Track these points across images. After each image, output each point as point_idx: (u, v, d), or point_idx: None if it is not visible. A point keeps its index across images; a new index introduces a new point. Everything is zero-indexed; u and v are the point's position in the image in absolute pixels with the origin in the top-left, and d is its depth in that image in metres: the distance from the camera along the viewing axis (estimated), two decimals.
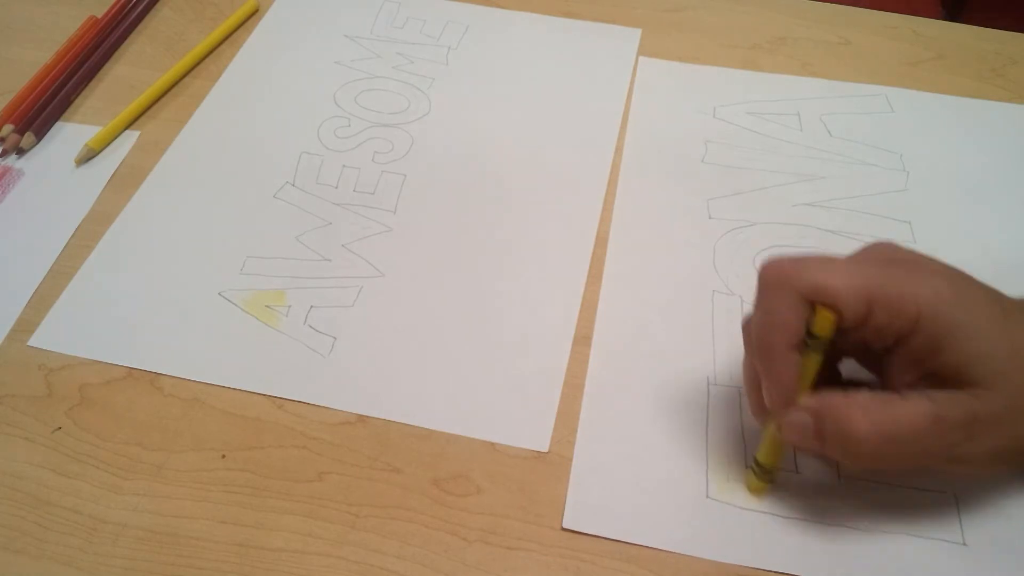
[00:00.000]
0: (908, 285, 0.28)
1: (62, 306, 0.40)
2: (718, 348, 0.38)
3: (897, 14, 0.54)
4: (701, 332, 0.39)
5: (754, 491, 0.33)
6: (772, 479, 0.33)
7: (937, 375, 0.29)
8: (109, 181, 0.46)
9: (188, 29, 0.54)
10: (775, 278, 0.30)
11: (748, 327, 0.32)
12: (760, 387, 0.31)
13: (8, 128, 0.47)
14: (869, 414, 0.28)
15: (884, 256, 0.30)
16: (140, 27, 0.55)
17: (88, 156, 0.47)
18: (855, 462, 0.30)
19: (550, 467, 0.35)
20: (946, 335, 0.28)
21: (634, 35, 0.53)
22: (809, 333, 0.29)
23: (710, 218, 0.43)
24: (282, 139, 0.48)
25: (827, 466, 0.34)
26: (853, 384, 0.32)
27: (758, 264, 0.32)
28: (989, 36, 0.53)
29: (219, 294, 0.40)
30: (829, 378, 0.32)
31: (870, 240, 0.32)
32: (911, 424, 0.28)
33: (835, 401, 0.29)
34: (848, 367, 0.33)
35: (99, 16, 0.54)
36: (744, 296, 0.40)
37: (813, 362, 0.30)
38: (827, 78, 0.50)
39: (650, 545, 0.32)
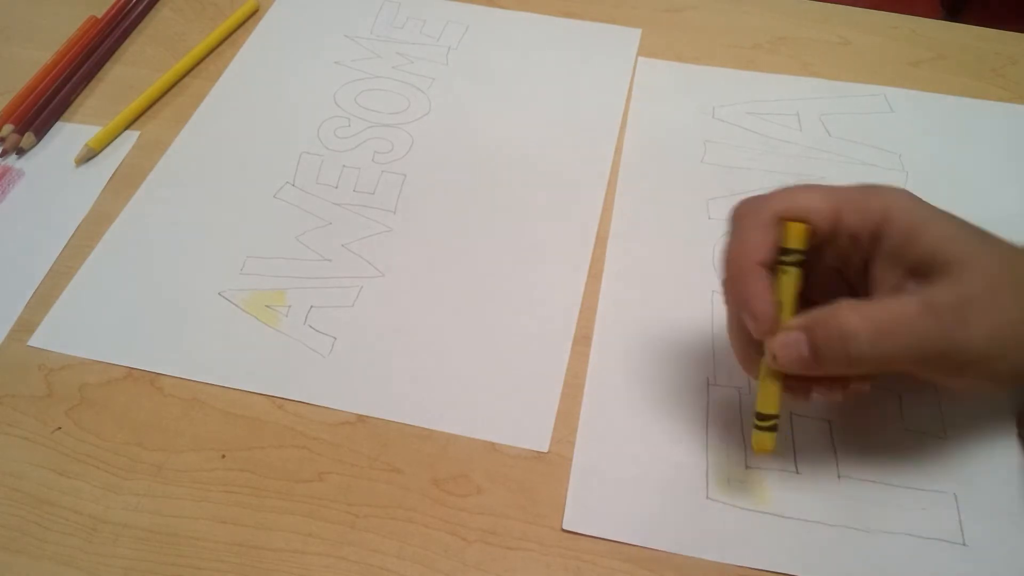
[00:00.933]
0: (871, 192, 0.30)
1: (62, 306, 0.40)
2: (718, 348, 0.38)
3: (897, 14, 0.54)
4: (701, 332, 0.39)
5: (762, 447, 0.32)
6: (776, 428, 0.32)
7: (918, 270, 0.30)
8: (109, 181, 0.46)
9: (188, 29, 0.54)
10: (744, 209, 0.31)
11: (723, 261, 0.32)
12: (745, 335, 0.31)
13: (8, 128, 0.47)
14: (859, 310, 0.29)
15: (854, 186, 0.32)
16: (140, 27, 0.55)
17: (88, 156, 0.47)
18: (853, 365, 0.29)
19: (550, 467, 0.35)
20: (916, 223, 0.30)
21: (634, 35, 0.53)
22: (783, 251, 0.30)
23: (709, 218, 0.43)
24: (282, 139, 0.48)
25: (827, 466, 0.34)
26: None
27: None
28: (989, 36, 0.53)
29: (219, 294, 0.40)
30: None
31: None
32: (903, 313, 0.29)
33: (822, 312, 0.30)
34: None
35: (99, 16, 0.54)
36: None
37: (791, 278, 0.30)
38: (827, 78, 0.50)
39: (650, 545, 0.32)
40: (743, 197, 0.32)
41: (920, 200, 0.31)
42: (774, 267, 0.30)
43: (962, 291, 0.29)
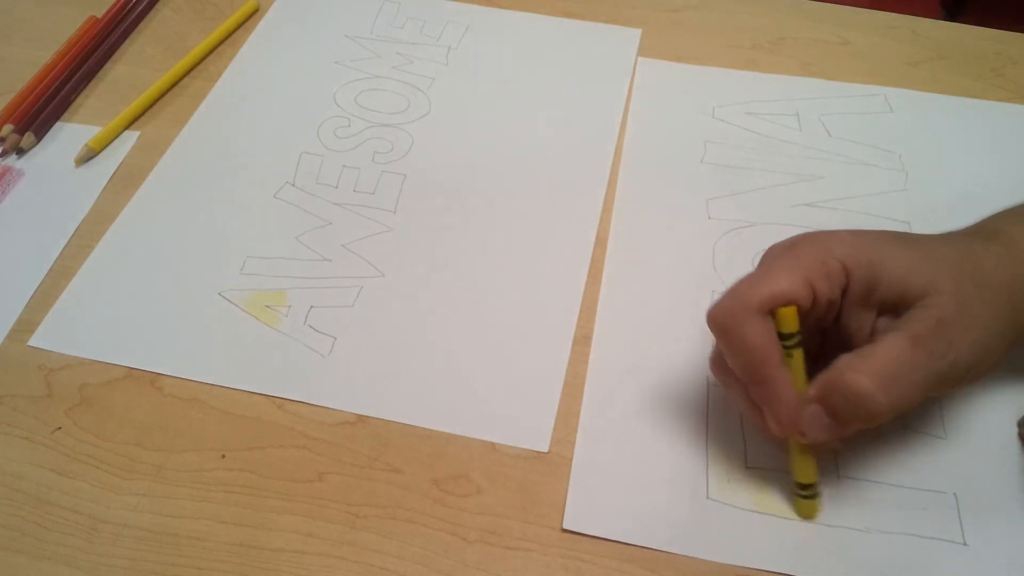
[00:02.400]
0: (823, 250, 0.31)
1: (62, 306, 0.40)
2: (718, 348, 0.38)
3: (897, 14, 0.54)
4: (701, 332, 0.38)
5: (806, 514, 0.33)
6: (817, 493, 0.33)
7: (887, 307, 0.31)
8: (109, 181, 0.46)
9: (188, 29, 0.54)
10: (729, 316, 0.31)
11: (720, 366, 0.33)
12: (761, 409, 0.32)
13: (8, 128, 0.47)
14: (862, 371, 0.29)
15: (780, 249, 0.32)
16: (140, 27, 0.55)
17: (88, 156, 0.47)
18: (876, 418, 0.30)
19: (550, 467, 0.35)
20: (873, 268, 0.30)
21: (634, 35, 0.53)
22: (781, 336, 0.30)
23: (709, 218, 0.43)
24: (282, 139, 0.48)
25: (827, 466, 0.34)
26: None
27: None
28: (988, 36, 0.53)
29: (219, 294, 0.40)
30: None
31: None
32: (898, 356, 0.29)
33: (828, 378, 0.30)
34: None
35: (99, 16, 0.54)
36: None
37: (798, 360, 0.31)
38: (826, 78, 0.50)
39: (650, 545, 0.32)
40: (710, 308, 0.31)
41: (862, 237, 0.31)
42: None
43: (938, 315, 0.30)
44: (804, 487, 0.32)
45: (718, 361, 0.33)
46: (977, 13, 1.46)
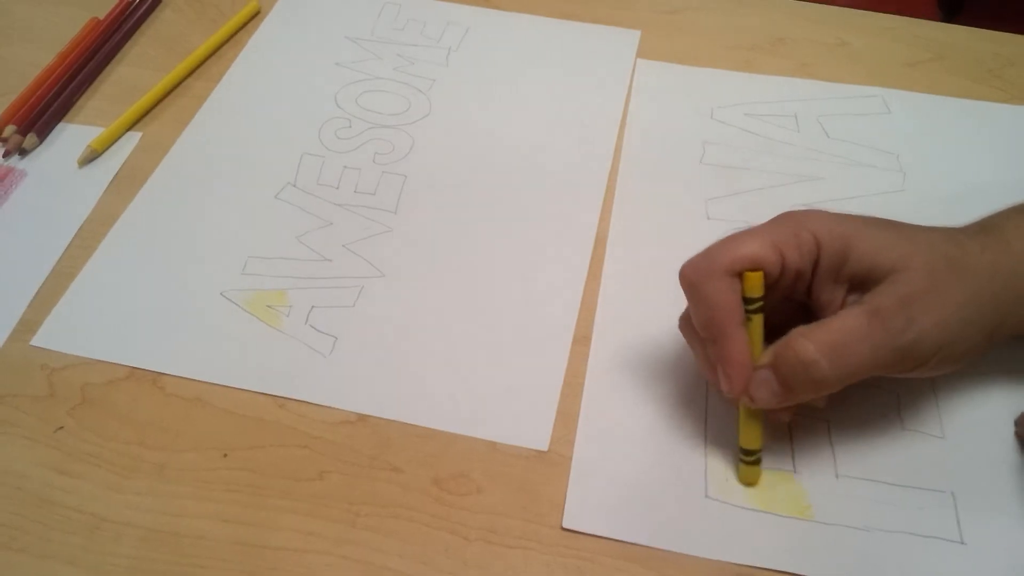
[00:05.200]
0: (797, 222, 0.32)
1: (64, 306, 0.40)
2: None
3: (895, 15, 0.54)
4: None
5: (747, 480, 0.34)
6: (759, 461, 0.33)
7: (857, 283, 0.31)
8: (111, 182, 0.46)
9: (190, 30, 0.54)
10: (697, 272, 0.31)
11: (687, 324, 0.34)
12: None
13: (11, 129, 0.47)
14: (811, 336, 0.30)
15: (765, 222, 0.33)
16: (142, 28, 0.55)
17: (90, 157, 0.47)
18: (820, 387, 0.30)
19: (550, 467, 0.35)
20: (844, 241, 0.31)
21: (633, 37, 0.53)
22: (745, 300, 0.31)
23: (708, 219, 0.43)
24: (283, 140, 0.48)
25: (825, 465, 0.34)
26: None
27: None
28: (986, 37, 0.53)
29: (221, 294, 0.41)
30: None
31: None
32: (852, 327, 0.30)
33: (780, 344, 0.31)
34: None
35: (101, 17, 0.54)
36: None
37: (757, 325, 0.32)
38: (825, 79, 0.50)
39: (650, 544, 0.32)
40: (684, 264, 0.32)
41: (840, 215, 0.32)
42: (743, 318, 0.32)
43: (903, 291, 0.30)
44: (748, 452, 0.33)
45: (685, 319, 0.34)
46: (975, 14, 1.46)
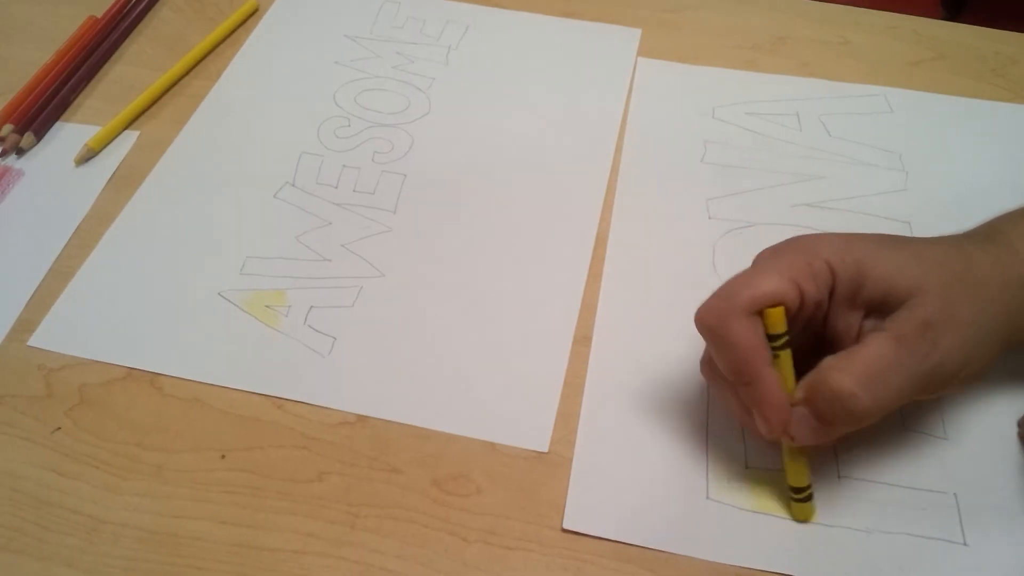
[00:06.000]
0: (808, 252, 0.31)
1: (62, 306, 0.40)
2: None
3: (897, 14, 0.54)
4: None
5: (803, 518, 0.33)
6: (811, 496, 0.33)
7: (873, 308, 0.31)
8: (109, 181, 0.46)
9: (188, 29, 0.54)
10: (717, 316, 0.31)
11: (710, 368, 0.33)
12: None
13: (8, 128, 0.47)
14: (844, 369, 0.30)
15: (768, 253, 0.32)
16: (140, 27, 0.55)
17: (88, 156, 0.47)
18: (860, 420, 0.30)
19: (550, 467, 0.35)
20: (858, 268, 0.31)
21: (634, 35, 0.53)
22: (769, 337, 0.30)
23: (709, 218, 0.43)
24: (282, 139, 0.47)
25: (827, 466, 0.34)
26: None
27: None
28: (989, 36, 0.53)
29: (219, 294, 0.40)
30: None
31: None
32: (881, 356, 0.29)
33: (812, 380, 0.30)
34: None
35: (99, 16, 0.54)
36: None
37: (786, 361, 0.31)
38: (826, 78, 0.50)
39: (650, 545, 0.32)
40: (698, 309, 0.31)
41: (848, 237, 0.32)
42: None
43: (922, 315, 0.30)
44: (798, 490, 0.32)
45: (708, 363, 0.33)
46: (977, 13, 1.45)
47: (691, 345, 0.38)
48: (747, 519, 0.33)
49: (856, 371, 0.29)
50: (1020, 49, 0.52)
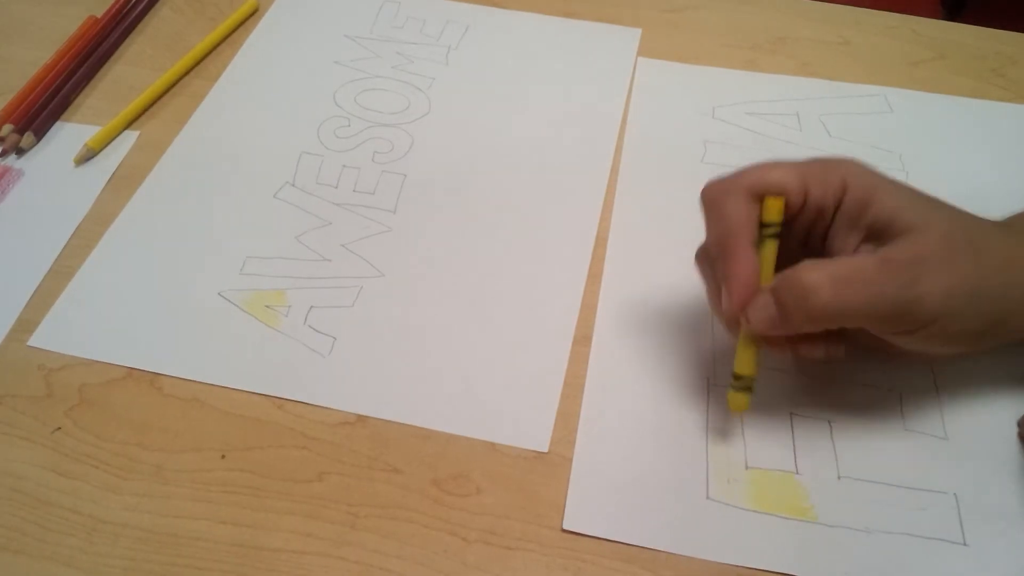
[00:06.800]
0: (829, 164, 0.32)
1: (62, 306, 0.40)
2: (718, 348, 0.38)
3: (897, 14, 0.54)
4: (701, 332, 0.39)
5: (736, 406, 0.33)
6: (751, 388, 0.33)
7: (873, 233, 0.31)
8: (109, 181, 0.46)
9: (188, 29, 0.54)
10: (718, 191, 0.32)
11: (703, 255, 0.34)
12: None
13: (8, 128, 0.47)
14: (819, 267, 0.30)
15: (804, 159, 0.33)
16: (140, 27, 0.55)
17: (88, 156, 0.46)
18: (818, 319, 0.30)
19: (550, 467, 0.35)
20: (871, 190, 0.31)
21: (634, 35, 0.53)
22: (761, 224, 0.31)
23: None
24: (282, 139, 0.47)
25: (827, 466, 0.34)
26: None
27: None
28: (989, 36, 0.53)
29: (219, 294, 0.40)
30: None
31: None
32: (860, 268, 0.30)
33: (787, 271, 0.31)
34: None
35: (99, 16, 0.54)
36: None
37: (770, 250, 0.32)
38: (827, 78, 0.50)
39: (650, 546, 0.32)
40: (707, 182, 0.33)
41: (874, 170, 0.32)
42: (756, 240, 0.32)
43: (918, 250, 0.30)
44: (739, 378, 0.33)
45: (702, 249, 0.34)
46: (977, 13, 1.46)
47: (691, 345, 0.38)
48: (747, 519, 0.33)
49: (829, 270, 0.30)
50: (1020, 49, 0.52)
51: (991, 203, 0.45)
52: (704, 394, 0.36)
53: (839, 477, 0.34)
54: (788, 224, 0.32)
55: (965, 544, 0.32)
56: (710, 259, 0.33)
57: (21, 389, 0.37)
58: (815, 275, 0.30)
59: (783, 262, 0.32)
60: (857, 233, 0.32)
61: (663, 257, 0.42)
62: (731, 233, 0.31)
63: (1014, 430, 0.35)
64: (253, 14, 0.55)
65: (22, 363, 0.38)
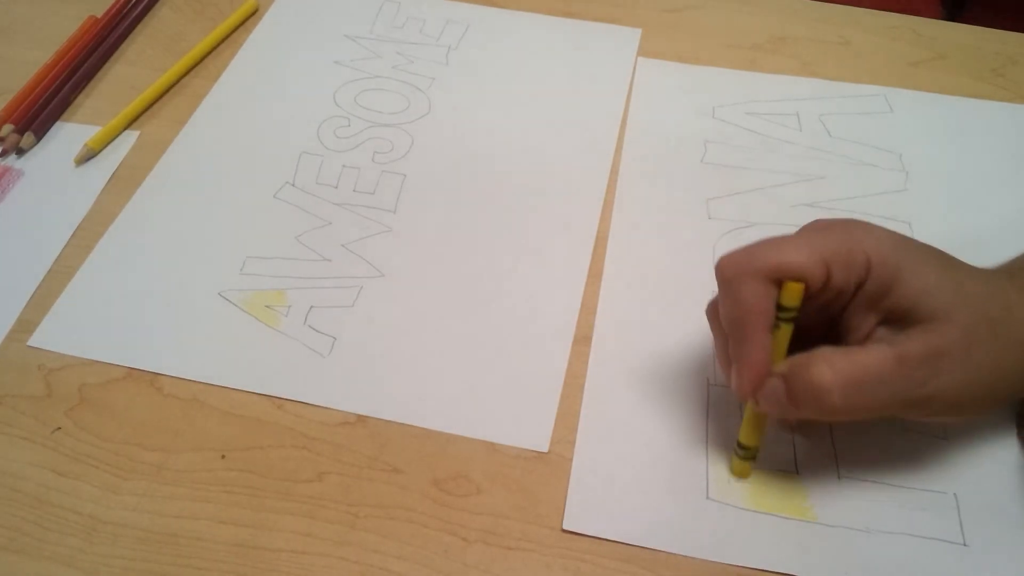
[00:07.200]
0: (854, 240, 0.30)
1: (62, 306, 0.40)
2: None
3: (897, 14, 0.54)
4: (701, 332, 0.38)
5: (738, 473, 0.34)
6: (755, 457, 0.33)
7: (892, 318, 0.30)
8: (109, 181, 0.46)
9: (188, 29, 0.54)
10: (736, 270, 0.31)
11: (714, 313, 0.33)
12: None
13: (8, 128, 0.47)
14: (833, 364, 0.29)
15: (821, 226, 0.32)
16: (140, 27, 0.55)
17: (88, 156, 0.46)
18: (828, 415, 0.30)
19: (550, 467, 0.35)
20: (894, 273, 0.30)
21: (634, 35, 0.53)
22: (778, 307, 0.30)
23: (709, 218, 0.43)
24: (282, 139, 0.47)
25: (827, 466, 0.34)
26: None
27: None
28: (989, 36, 0.53)
29: (219, 294, 0.40)
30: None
31: None
32: (875, 367, 0.29)
33: (800, 359, 0.30)
34: None
35: (99, 16, 0.54)
36: None
37: (785, 334, 0.31)
38: (827, 78, 0.50)
39: (650, 546, 0.32)
40: (724, 254, 0.31)
41: (900, 242, 0.31)
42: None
43: (935, 343, 0.29)
44: (743, 447, 0.33)
45: (713, 308, 0.33)
46: (977, 13, 1.46)
47: (691, 345, 0.38)
48: (747, 519, 0.33)
49: (843, 371, 0.29)
50: (1020, 49, 0.52)
51: (990, 203, 0.45)
52: (704, 394, 0.36)
53: (839, 477, 0.34)
54: (805, 299, 0.30)
55: (965, 544, 0.32)
56: (719, 319, 0.32)
57: (21, 389, 0.37)
58: (828, 377, 0.29)
59: (797, 326, 0.31)
60: (875, 315, 0.30)
61: (663, 257, 0.42)
62: (747, 320, 0.30)
63: (1013, 430, 0.35)
64: (253, 14, 0.55)
65: (22, 363, 0.38)
